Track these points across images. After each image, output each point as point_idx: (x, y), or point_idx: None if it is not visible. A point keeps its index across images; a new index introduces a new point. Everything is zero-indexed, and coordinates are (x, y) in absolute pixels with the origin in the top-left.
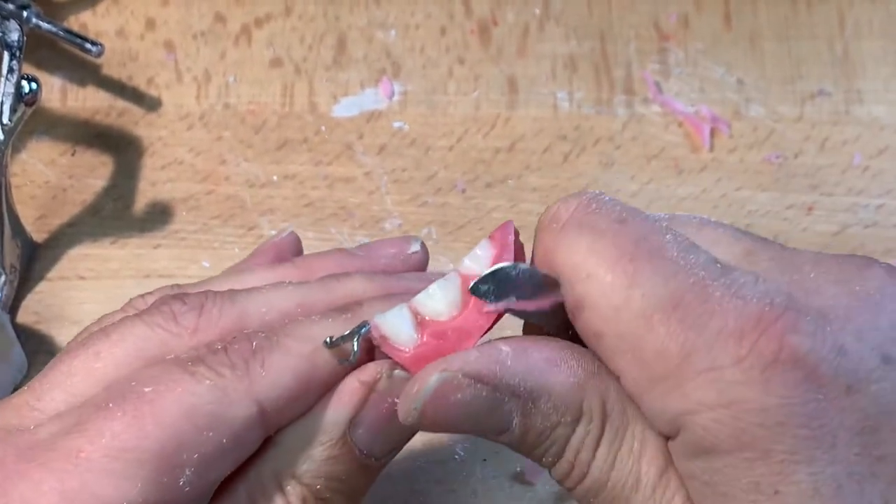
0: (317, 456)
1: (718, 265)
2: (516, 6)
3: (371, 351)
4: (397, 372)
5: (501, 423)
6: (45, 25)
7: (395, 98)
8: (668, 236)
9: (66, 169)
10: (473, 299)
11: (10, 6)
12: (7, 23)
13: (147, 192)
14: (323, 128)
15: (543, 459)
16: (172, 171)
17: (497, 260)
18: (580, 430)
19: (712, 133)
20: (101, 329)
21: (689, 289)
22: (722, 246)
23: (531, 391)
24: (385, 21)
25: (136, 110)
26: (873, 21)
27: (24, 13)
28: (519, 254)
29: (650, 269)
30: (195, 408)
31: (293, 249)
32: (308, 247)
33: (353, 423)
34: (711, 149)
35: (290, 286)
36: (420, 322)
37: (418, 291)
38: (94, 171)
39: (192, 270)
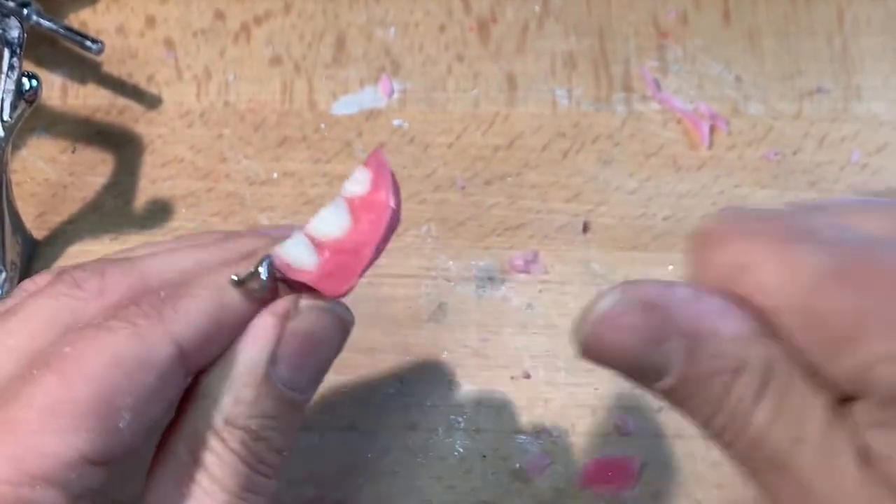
0: (244, 397)
1: (876, 238)
2: (515, 3)
3: (276, 291)
4: (304, 302)
5: (662, 363)
6: (45, 23)
7: (395, 96)
8: (818, 221)
9: (67, 166)
10: (363, 212)
11: (11, 4)
12: (7, 20)
13: (147, 189)
14: (322, 125)
15: (699, 412)
16: (172, 168)
17: (375, 182)
18: (743, 380)
19: (711, 130)
20: (6, 308)
21: (851, 256)
22: (874, 222)
23: (700, 332)
24: (384, 19)
25: (136, 108)
26: (872, 18)
27: (25, 10)
28: (390, 176)
29: (809, 246)
30: (118, 356)
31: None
32: None
33: (272, 359)
34: (710, 146)
35: (187, 247)
36: (317, 244)
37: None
38: (95, 168)
39: None
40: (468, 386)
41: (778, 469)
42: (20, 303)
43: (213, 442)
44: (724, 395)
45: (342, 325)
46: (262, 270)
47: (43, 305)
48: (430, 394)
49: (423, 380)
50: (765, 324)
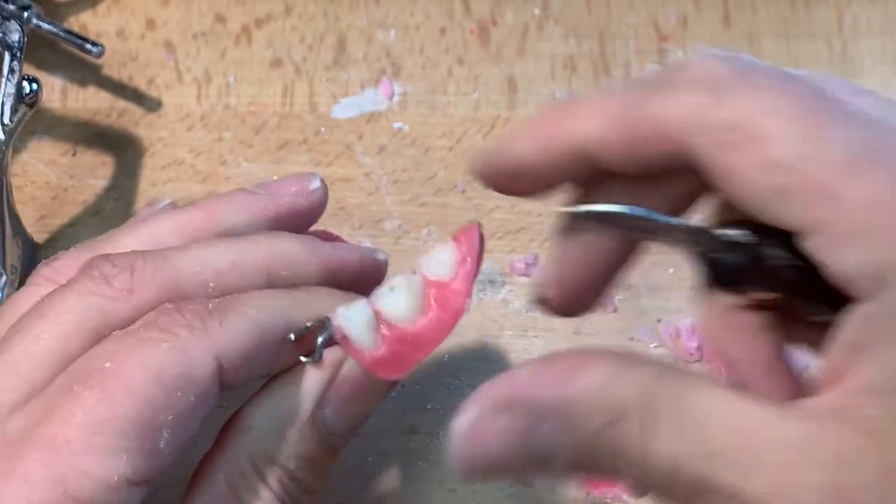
0: (289, 437)
1: None
2: (516, 6)
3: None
4: None
5: (546, 450)
6: (45, 26)
7: (395, 98)
8: (838, 90)
9: (67, 169)
10: (437, 305)
11: (11, 7)
12: (8, 23)
13: (147, 192)
14: (323, 128)
15: (613, 472)
16: (173, 171)
17: (462, 264)
18: (627, 425)
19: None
20: (33, 309)
21: (887, 137)
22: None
23: (560, 405)
24: (385, 21)
25: (136, 111)
26: (872, 20)
27: (25, 14)
28: (480, 257)
29: (838, 120)
30: (159, 371)
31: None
32: None
33: (319, 403)
34: None
35: (223, 244)
36: (381, 322)
37: (351, 262)
38: (95, 171)
39: None
40: (469, 389)
41: (706, 491)
42: (49, 301)
43: (253, 477)
44: (619, 449)
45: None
46: (320, 342)
47: (71, 307)
48: (430, 397)
49: (423, 383)
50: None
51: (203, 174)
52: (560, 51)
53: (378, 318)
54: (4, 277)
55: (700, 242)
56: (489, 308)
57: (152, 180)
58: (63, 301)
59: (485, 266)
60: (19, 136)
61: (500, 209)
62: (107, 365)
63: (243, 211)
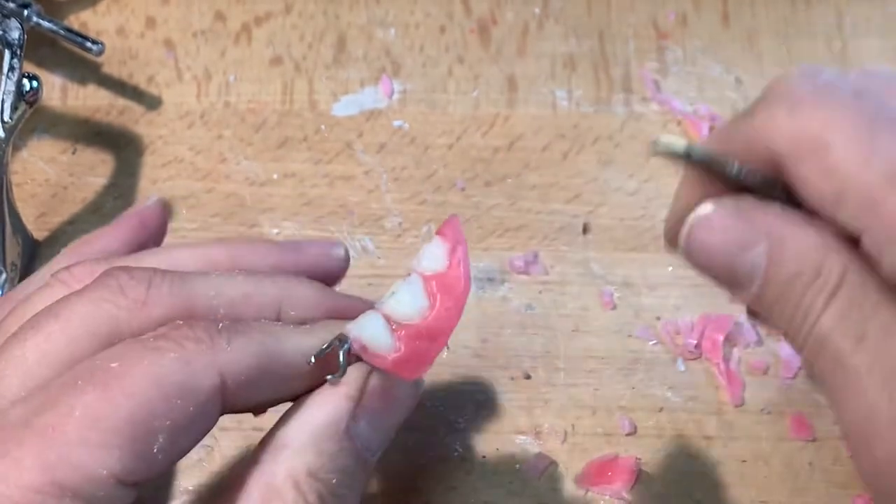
0: (328, 450)
1: None
2: (516, 5)
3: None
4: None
5: (750, 267)
6: (45, 24)
7: (395, 97)
8: None
9: (67, 167)
10: (440, 295)
11: (11, 5)
12: (8, 21)
13: (147, 190)
14: (323, 126)
15: (781, 316)
16: (173, 169)
17: (454, 252)
18: (817, 284)
19: (711, 131)
20: (47, 309)
21: None
22: None
23: (783, 237)
24: (385, 19)
25: (136, 108)
26: (871, 20)
27: (25, 12)
28: (466, 251)
29: (891, 136)
30: (162, 378)
31: (157, 219)
32: None
33: (353, 417)
34: None
35: (240, 276)
36: (393, 326)
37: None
38: (95, 169)
39: None
40: (468, 386)
41: (840, 370)
42: (63, 302)
43: (291, 493)
44: (800, 298)
45: (415, 386)
46: (342, 357)
47: (85, 311)
48: (429, 395)
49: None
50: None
51: (203, 172)
52: (560, 50)
53: (389, 322)
54: (4, 275)
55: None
56: (488, 305)
57: (152, 178)
58: (78, 305)
59: (484, 264)
60: (19, 133)
61: (499, 207)
62: (112, 365)
63: (266, 258)
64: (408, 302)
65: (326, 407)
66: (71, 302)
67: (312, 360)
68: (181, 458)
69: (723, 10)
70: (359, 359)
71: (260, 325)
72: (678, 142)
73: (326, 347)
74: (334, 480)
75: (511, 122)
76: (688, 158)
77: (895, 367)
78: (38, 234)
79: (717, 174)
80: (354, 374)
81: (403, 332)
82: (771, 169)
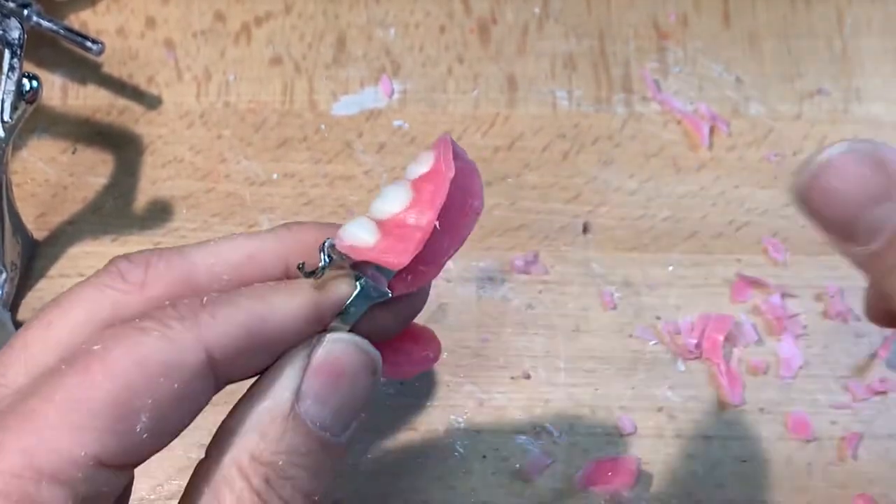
0: (270, 432)
1: None
2: (516, 5)
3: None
4: (329, 335)
5: (877, 222)
6: (45, 23)
7: (395, 96)
8: None
9: (67, 167)
10: (424, 184)
11: (11, 4)
12: (8, 21)
13: (147, 189)
14: (323, 126)
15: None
16: (172, 168)
17: (438, 158)
18: None
19: (711, 131)
20: (53, 299)
21: None
22: None
23: None
24: (384, 19)
25: (136, 108)
26: (872, 19)
27: (25, 11)
28: (452, 151)
29: None
30: (144, 357)
31: None
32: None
33: (299, 394)
34: (710, 147)
35: (241, 237)
36: (380, 224)
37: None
38: (95, 168)
39: None
40: (468, 386)
41: None
42: (68, 291)
43: (237, 480)
44: None
45: (368, 360)
46: (322, 256)
47: (85, 297)
48: (430, 394)
49: (423, 380)
50: None
51: (203, 172)
52: (560, 49)
53: (375, 222)
54: (4, 274)
55: None
56: (489, 305)
57: (152, 178)
58: (79, 292)
59: (484, 263)
60: (19, 133)
61: (500, 207)
62: (95, 348)
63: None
64: (390, 198)
65: (270, 388)
66: (74, 290)
67: (300, 264)
68: (173, 438)
69: (723, 10)
70: (344, 260)
71: (252, 289)
72: None
73: (323, 264)
74: (280, 462)
75: (511, 121)
76: None
77: None
78: (38, 233)
79: None
80: (299, 353)
81: (388, 225)
82: None
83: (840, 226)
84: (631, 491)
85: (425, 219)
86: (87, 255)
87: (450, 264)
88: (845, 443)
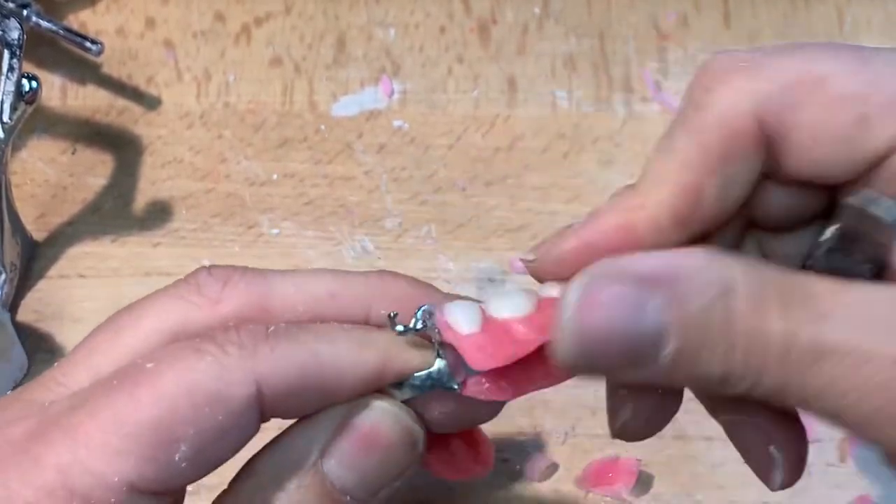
0: (289, 486)
1: None
2: (516, 5)
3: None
4: (375, 401)
5: (657, 326)
6: (45, 24)
7: (395, 97)
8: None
9: (66, 167)
10: (549, 310)
11: (10, 4)
12: (7, 21)
13: (147, 190)
14: (323, 126)
15: (714, 363)
16: (172, 169)
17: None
18: (739, 297)
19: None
20: (128, 304)
21: None
22: None
23: (670, 278)
24: (384, 20)
25: (135, 109)
26: (872, 20)
27: (24, 11)
28: None
29: (877, 59)
30: (194, 383)
31: None
32: (307, 245)
33: (325, 452)
34: None
35: (329, 273)
36: (487, 319)
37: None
38: (94, 169)
39: (192, 268)
40: None
41: (822, 355)
42: (143, 299)
43: None
44: (731, 325)
45: (408, 437)
46: (417, 317)
47: (158, 306)
48: None
49: None
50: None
51: (202, 172)
52: (560, 50)
53: (485, 315)
54: (4, 275)
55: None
56: None
57: (152, 178)
58: (154, 300)
59: (485, 264)
60: (19, 133)
61: (500, 207)
62: (149, 366)
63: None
64: (513, 303)
65: (301, 438)
66: (149, 297)
67: (390, 314)
68: (215, 467)
69: (723, 11)
70: (435, 332)
71: (320, 327)
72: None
73: (414, 325)
74: None
75: (511, 122)
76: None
77: (870, 318)
78: (38, 234)
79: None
80: (339, 409)
81: (494, 325)
82: (728, 148)
83: (626, 354)
84: (631, 492)
85: (531, 338)
86: (86, 255)
87: (450, 264)
88: (846, 444)
